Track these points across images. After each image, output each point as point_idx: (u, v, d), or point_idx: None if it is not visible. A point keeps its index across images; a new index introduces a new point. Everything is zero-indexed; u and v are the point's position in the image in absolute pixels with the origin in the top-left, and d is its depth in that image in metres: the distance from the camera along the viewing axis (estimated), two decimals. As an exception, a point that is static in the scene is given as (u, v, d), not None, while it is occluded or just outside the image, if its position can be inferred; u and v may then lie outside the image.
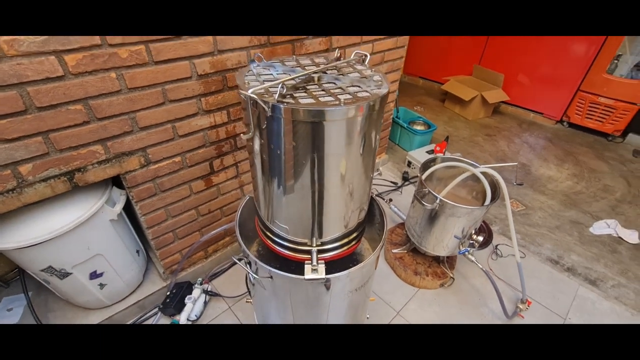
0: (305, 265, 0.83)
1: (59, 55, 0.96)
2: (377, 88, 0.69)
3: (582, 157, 3.01)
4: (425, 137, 2.85)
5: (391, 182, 2.57)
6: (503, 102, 3.76)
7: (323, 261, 0.84)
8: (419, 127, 2.93)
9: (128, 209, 1.47)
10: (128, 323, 1.57)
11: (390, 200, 2.11)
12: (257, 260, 0.87)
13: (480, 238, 1.57)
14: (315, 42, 1.60)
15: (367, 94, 0.66)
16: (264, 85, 0.63)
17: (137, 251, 1.59)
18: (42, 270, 1.24)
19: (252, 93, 0.61)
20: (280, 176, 0.73)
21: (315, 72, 0.73)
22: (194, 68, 1.25)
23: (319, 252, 0.86)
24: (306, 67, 0.80)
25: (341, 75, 0.75)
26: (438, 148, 2.57)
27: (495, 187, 1.51)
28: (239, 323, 1.60)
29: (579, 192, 2.54)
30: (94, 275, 1.38)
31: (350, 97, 0.64)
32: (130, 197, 1.36)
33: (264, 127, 0.66)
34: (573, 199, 2.46)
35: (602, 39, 3.00)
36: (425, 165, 1.63)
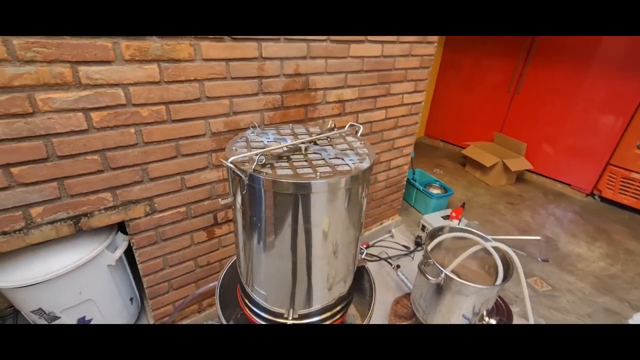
0: (279, 342, 0.77)
1: (87, 112, 1.06)
2: (359, 162, 0.69)
3: (617, 235, 2.77)
4: (442, 201, 2.78)
5: (403, 245, 2.46)
6: (528, 170, 3.66)
7: (297, 338, 0.78)
8: (435, 191, 2.88)
9: (132, 254, 1.48)
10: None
11: (398, 266, 2.00)
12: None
13: (493, 321, 1.41)
14: (328, 107, 1.69)
15: (348, 168, 0.66)
16: (245, 154, 0.65)
17: (131, 299, 1.57)
18: (32, 312, 1.24)
19: (233, 160, 0.63)
20: (256, 243, 0.72)
21: (302, 143, 0.75)
22: (208, 127, 1.34)
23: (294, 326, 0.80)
24: (299, 136, 0.83)
25: (329, 147, 0.77)
26: (454, 214, 2.47)
27: (508, 264, 1.39)
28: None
29: (614, 275, 2.29)
30: (82, 321, 1.36)
31: (330, 170, 0.65)
32: (132, 244, 1.38)
33: (243, 192, 0.67)
34: (607, 282, 2.21)
35: (630, 114, 2.93)
36: (432, 235, 1.55)
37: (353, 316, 0.96)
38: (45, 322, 1.29)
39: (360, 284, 1.01)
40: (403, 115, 2.11)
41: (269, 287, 0.79)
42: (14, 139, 0.97)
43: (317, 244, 0.69)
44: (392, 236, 2.56)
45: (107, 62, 1.03)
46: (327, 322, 0.85)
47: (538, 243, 2.57)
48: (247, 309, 0.86)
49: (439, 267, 1.35)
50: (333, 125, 0.90)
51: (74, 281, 1.24)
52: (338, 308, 0.86)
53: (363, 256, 1.04)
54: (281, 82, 1.45)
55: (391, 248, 2.43)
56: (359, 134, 0.87)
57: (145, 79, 1.12)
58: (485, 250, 1.51)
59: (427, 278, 1.37)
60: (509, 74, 3.63)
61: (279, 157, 0.71)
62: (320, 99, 1.63)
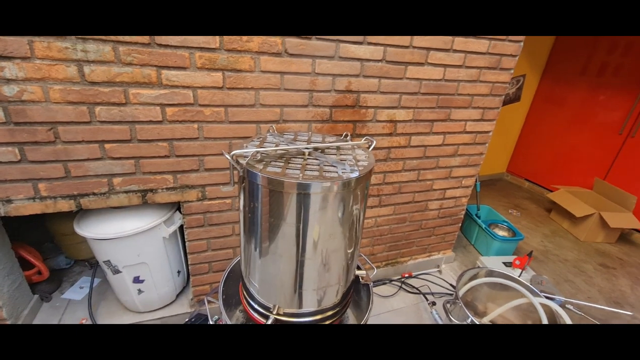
0: (258, 330, 0.82)
1: (163, 107, 1.31)
2: (350, 171, 0.71)
3: None
4: (507, 246, 2.45)
5: (451, 285, 2.24)
6: (637, 230, 2.97)
7: (274, 332, 0.81)
8: (500, 232, 2.56)
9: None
10: (148, 334, 1.73)
11: (434, 304, 1.83)
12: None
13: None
14: (378, 126, 1.70)
15: (336, 175, 0.69)
16: (247, 150, 0.73)
17: (179, 272, 1.80)
18: (103, 262, 1.54)
19: (235, 154, 0.72)
20: (248, 235, 0.79)
21: (307, 148, 0.80)
22: (259, 130, 1.49)
23: (276, 320, 0.83)
24: (312, 143, 0.89)
25: (333, 155, 0.80)
26: (518, 262, 2.16)
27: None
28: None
29: None
30: (136, 280, 1.62)
31: (317, 174, 0.68)
32: (184, 223, 1.60)
33: (242, 184, 0.75)
34: None
35: None
36: (469, 276, 1.40)
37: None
38: (112, 274, 1.57)
39: (358, 302, 0.99)
40: (465, 144, 1.97)
41: (259, 279, 0.84)
42: (109, 122, 1.26)
43: (293, 244, 0.72)
44: (440, 271, 2.36)
45: (183, 68, 1.26)
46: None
47: (632, 320, 2.05)
48: (244, 300, 0.93)
49: (466, 310, 1.21)
50: (348, 136, 0.93)
51: (135, 244, 1.50)
52: (328, 314, 0.87)
53: (372, 275, 1.02)
54: (331, 97, 1.53)
55: (436, 284, 2.24)
56: (370, 148, 0.88)
57: (211, 84, 1.32)
58: (532, 304, 1.30)
59: (450, 318, 1.25)
60: (623, 113, 3.05)
61: (280, 157, 0.77)
62: (370, 116, 1.66)
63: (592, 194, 3.13)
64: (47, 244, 1.99)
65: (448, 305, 1.29)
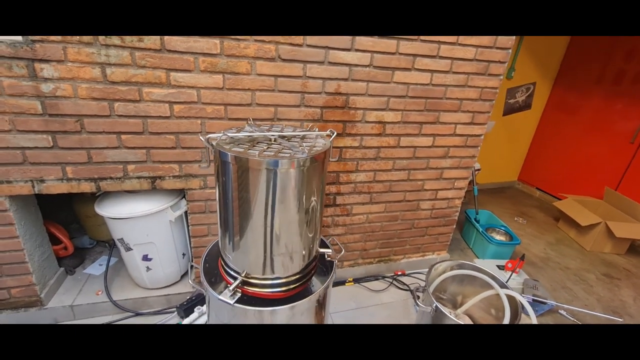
0: (227, 288, 0.97)
1: (171, 104, 1.51)
2: (301, 154, 0.85)
3: None
4: (504, 250, 2.47)
5: (443, 284, 2.29)
6: (649, 242, 2.87)
7: (240, 291, 0.96)
8: (497, 236, 2.58)
9: (188, 218, 1.91)
10: (154, 309, 1.92)
11: (418, 297, 1.90)
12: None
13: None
14: (367, 126, 1.83)
15: (287, 156, 0.83)
16: (218, 134, 0.89)
17: (184, 254, 1.99)
18: (117, 239, 1.75)
19: (209, 137, 0.88)
20: (220, 207, 0.95)
21: (272, 135, 0.95)
22: (256, 127, 1.66)
23: (245, 283, 0.98)
24: (284, 132, 1.04)
25: (296, 143, 0.95)
26: (510, 265, 2.19)
27: (516, 314, 1.24)
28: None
29: None
30: (145, 258, 1.82)
31: (273, 154, 0.83)
32: (187, 209, 1.79)
33: (217, 163, 0.91)
34: None
35: None
36: (442, 268, 1.49)
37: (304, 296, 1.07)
38: (124, 251, 1.78)
39: (324, 277, 1.12)
40: (456, 146, 2.05)
41: (229, 249, 0.99)
42: (126, 116, 1.47)
43: (256, 215, 0.87)
44: (433, 271, 2.41)
45: (188, 71, 1.46)
46: (276, 290, 1.00)
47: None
48: (221, 269, 1.08)
49: (432, 296, 1.30)
50: (314, 128, 1.07)
51: (145, 225, 1.70)
52: (291, 279, 1.00)
53: (339, 255, 1.14)
54: (322, 98, 1.68)
55: (428, 283, 2.30)
56: (331, 139, 1.02)
57: (212, 85, 1.51)
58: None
59: (417, 304, 1.34)
60: (636, 122, 2.98)
61: (249, 141, 0.93)
62: (359, 117, 1.79)
63: (602, 204, 3.06)
64: (74, 225, 2.26)
65: (418, 293, 1.39)
